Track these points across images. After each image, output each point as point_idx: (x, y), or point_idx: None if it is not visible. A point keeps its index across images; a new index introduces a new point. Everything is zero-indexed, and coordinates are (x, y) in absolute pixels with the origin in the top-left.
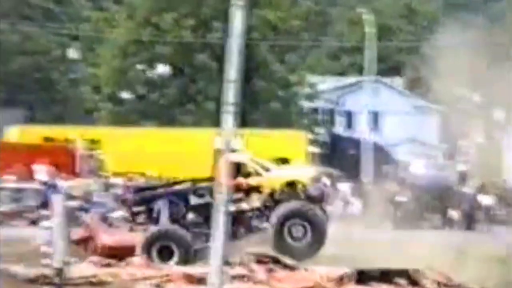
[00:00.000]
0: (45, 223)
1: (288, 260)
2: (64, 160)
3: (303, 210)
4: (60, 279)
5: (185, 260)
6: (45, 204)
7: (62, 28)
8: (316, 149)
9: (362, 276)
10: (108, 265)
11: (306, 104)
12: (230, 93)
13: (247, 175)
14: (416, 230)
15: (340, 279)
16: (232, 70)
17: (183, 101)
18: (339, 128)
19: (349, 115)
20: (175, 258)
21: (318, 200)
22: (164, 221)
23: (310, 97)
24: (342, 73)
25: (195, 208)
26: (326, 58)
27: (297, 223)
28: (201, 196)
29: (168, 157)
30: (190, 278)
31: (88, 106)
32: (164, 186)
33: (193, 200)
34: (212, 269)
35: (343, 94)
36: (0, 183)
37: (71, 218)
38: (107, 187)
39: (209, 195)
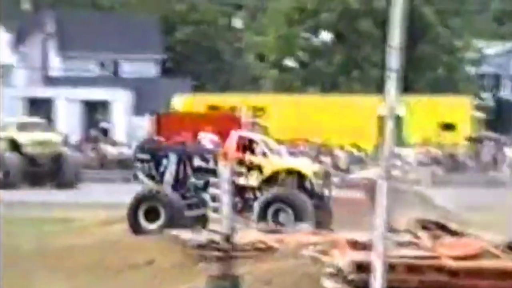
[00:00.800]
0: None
1: (454, 226)
2: (229, 128)
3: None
4: (228, 245)
5: (172, 224)
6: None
7: None
8: (481, 115)
9: None
10: (275, 231)
11: (472, 69)
12: (393, 60)
13: (253, 152)
14: None
15: (509, 246)
16: (396, 36)
17: (348, 68)
18: (505, 93)
19: None
20: (161, 221)
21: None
22: (169, 177)
23: (476, 62)
24: (509, 37)
25: (198, 171)
26: (492, 22)
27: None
28: (205, 160)
29: (331, 124)
30: (355, 244)
31: (253, 74)
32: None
33: (197, 162)
34: (376, 236)
35: (509, 58)
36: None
37: None
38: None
39: (214, 161)
